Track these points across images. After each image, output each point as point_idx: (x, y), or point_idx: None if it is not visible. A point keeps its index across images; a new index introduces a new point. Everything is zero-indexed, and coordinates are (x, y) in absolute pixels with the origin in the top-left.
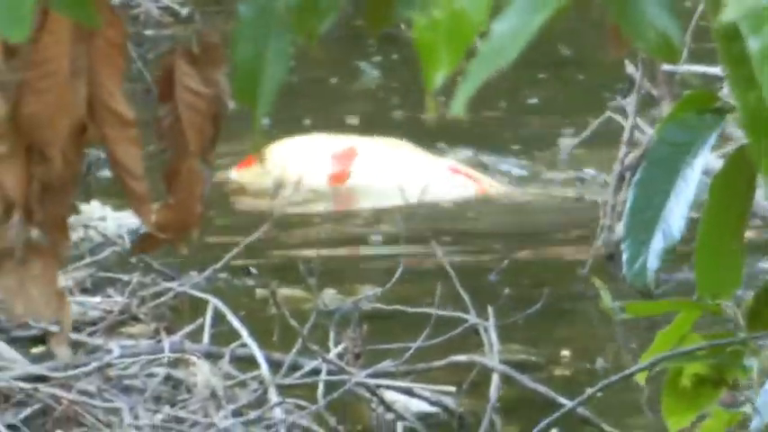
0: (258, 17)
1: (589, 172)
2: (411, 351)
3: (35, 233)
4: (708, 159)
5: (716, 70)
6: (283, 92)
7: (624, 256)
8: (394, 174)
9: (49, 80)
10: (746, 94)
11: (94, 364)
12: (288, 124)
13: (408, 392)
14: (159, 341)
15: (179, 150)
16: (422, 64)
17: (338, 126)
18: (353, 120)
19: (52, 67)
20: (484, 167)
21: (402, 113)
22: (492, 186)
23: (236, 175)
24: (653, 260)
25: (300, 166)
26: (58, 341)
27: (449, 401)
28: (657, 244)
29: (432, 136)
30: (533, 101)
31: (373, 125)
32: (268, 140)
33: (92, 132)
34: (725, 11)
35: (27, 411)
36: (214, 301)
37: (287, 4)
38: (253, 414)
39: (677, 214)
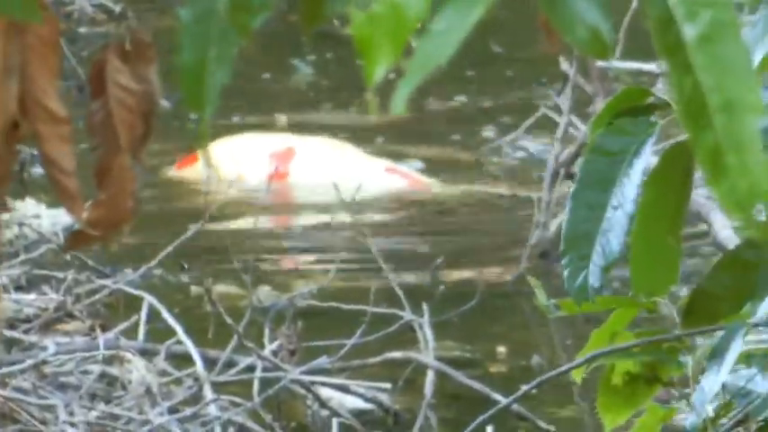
0: (199, 21)
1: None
2: (346, 348)
3: None
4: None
5: (650, 67)
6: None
7: (565, 272)
8: (331, 173)
9: None
10: (682, 82)
11: (29, 362)
12: (217, 122)
13: (344, 389)
14: (94, 338)
15: (110, 147)
16: (361, 59)
17: (268, 125)
18: (283, 118)
19: None
20: (417, 166)
21: (333, 111)
22: (427, 184)
23: (175, 173)
24: (594, 278)
25: (239, 165)
26: None
27: (384, 398)
28: (598, 260)
29: (365, 134)
30: (463, 98)
31: (304, 124)
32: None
33: (24, 129)
34: None
35: None
36: (149, 299)
37: (224, 3)
38: (188, 411)
39: (617, 228)
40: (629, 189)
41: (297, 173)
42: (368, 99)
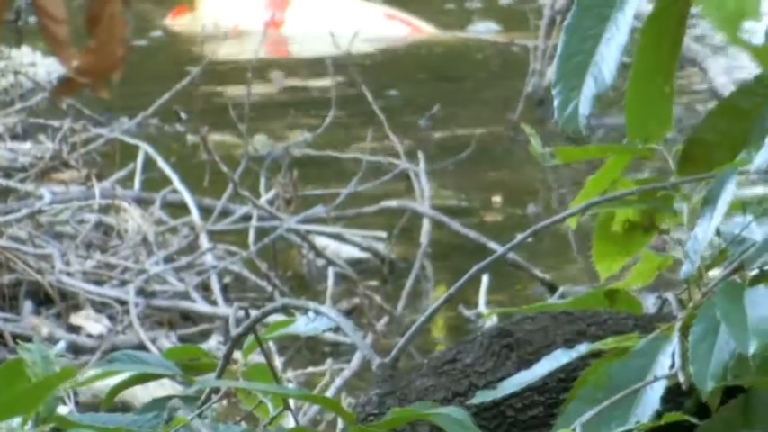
0: None
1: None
2: (342, 197)
3: None
4: (639, 3)
5: None
6: None
7: (555, 102)
8: (329, 20)
9: None
10: None
11: (25, 211)
12: None
13: (339, 238)
14: (90, 187)
15: None
16: None
17: None
18: None
19: None
20: (415, 11)
21: None
22: (426, 30)
23: (170, 22)
24: (584, 105)
25: (234, 14)
26: None
27: (380, 247)
28: (589, 89)
29: None
30: None
31: None
32: None
33: None
34: None
35: None
36: (145, 147)
37: None
38: (184, 260)
39: (609, 60)
40: (622, 22)
41: (293, 20)
42: None
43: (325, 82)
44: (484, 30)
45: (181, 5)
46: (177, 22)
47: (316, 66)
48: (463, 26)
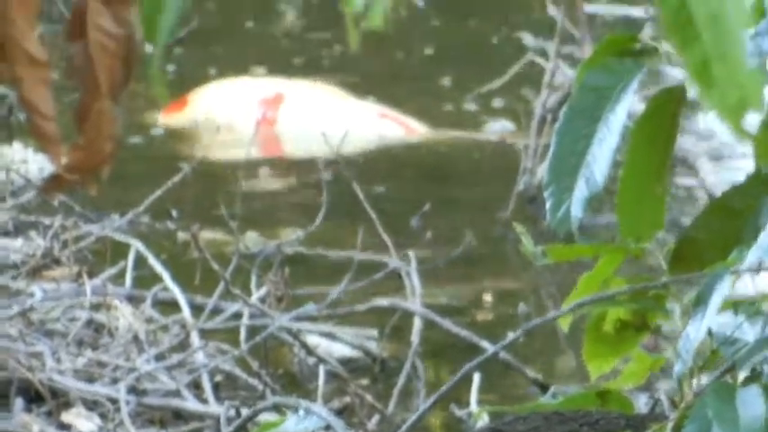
0: None
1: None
2: (333, 295)
3: None
4: (631, 103)
5: (638, 12)
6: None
7: (548, 203)
8: (322, 119)
9: None
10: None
11: (16, 308)
12: (194, 73)
13: (330, 336)
14: (81, 284)
15: (90, 90)
16: None
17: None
18: (261, 70)
19: None
20: (407, 109)
21: (325, 57)
22: (418, 130)
23: (163, 119)
24: (577, 208)
25: (228, 111)
26: None
27: (371, 346)
28: (581, 191)
29: (353, 79)
30: (455, 45)
31: (290, 69)
32: (179, 81)
33: (4, 72)
34: None
35: None
36: (136, 245)
37: None
38: (175, 358)
39: (601, 161)
40: (614, 123)
41: (286, 119)
42: (348, 25)
43: (316, 180)
44: (499, 128)
45: (174, 103)
46: (170, 119)
47: (307, 164)
48: (479, 125)
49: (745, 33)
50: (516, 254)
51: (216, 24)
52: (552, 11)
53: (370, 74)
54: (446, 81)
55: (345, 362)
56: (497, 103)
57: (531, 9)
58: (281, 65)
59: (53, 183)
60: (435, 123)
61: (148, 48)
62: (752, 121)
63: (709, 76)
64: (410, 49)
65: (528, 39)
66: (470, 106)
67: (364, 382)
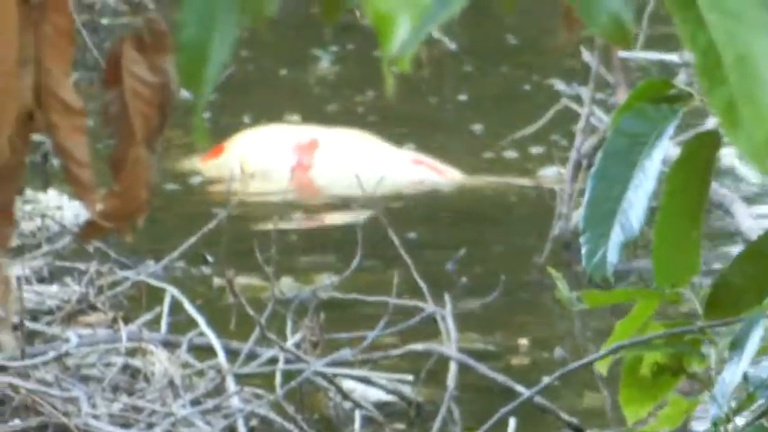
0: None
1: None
2: (368, 340)
3: None
4: (666, 149)
5: (672, 57)
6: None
7: (583, 249)
8: (356, 165)
9: None
10: (696, 38)
11: (52, 354)
12: (227, 120)
13: (366, 381)
14: (117, 330)
15: (125, 137)
16: (377, 30)
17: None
18: (295, 117)
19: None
20: (442, 155)
21: (360, 104)
22: (453, 175)
23: (201, 165)
24: (612, 253)
25: (263, 157)
26: (1, 328)
27: (406, 390)
28: (617, 237)
29: (387, 126)
30: (488, 91)
31: (324, 116)
32: (214, 128)
33: (39, 120)
34: None
35: None
36: (171, 290)
37: None
38: (211, 403)
39: (636, 206)
40: (650, 169)
41: (321, 165)
42: (384, 74)
43: (351, 224)
44: (552, 174)
45: (210, 150)
46: (207, 166)
47: (342, 209)
48: (513, 171)
49: None
50: (552, 299)
51: (250, 71)
52: (587, 56)
53: (404, 120)
54: (480, 127)
55: (381, 406)
56: (533, 149)
57: (562, 55)
58: (314, 112)
59: (89, 230)
60: (470, 169)
61: (183, 94)
62: None
63: (736, 116)
64: (443, 95)
65: (559, 85)
66: (505, 152)
67: (400, 426)
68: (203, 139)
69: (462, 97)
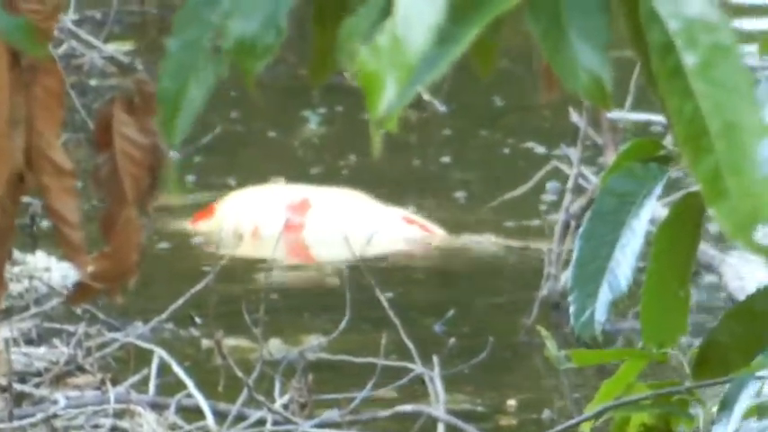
0: (184, 50)
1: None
2: (357, 401)
3: None
4: (654, 209)
5: (660, 119)
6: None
7: (571, 308)
8: (348, 224)
9: None
10: (683, 107)
11: (40, 416)
12: (215, 181)
13: None
14: (105, 392)
15: (116, 199)
16: (365, 91)
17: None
18: (281, 179)
19: None
20: (429, 216)
21: (347, 164)
22: (441, 235)
23: (192, 226)
24: (600, 312)
25: (255, 217)
26: None
27: None
28: (605, 296)
29: (375, 187)
30: (476, 151)
31: (309, 178)
32: (201, 188)
33: (29, 181)
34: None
35: None
36: (159, 352)
37: (222, 44)
38: None
39: (624, 266)
40: (638, 228)
41: (312, 224)
42: (372, 136)
43: (339, 285)
44: (554, 188)
45: (201, 211)
46: (198, 227)
47: (331, 269)
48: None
49: (760, 144)
50: (540, 359)
51: (239, 132)
52: (575, 117)
53: (388, 181)
54: (466, 188)
55: None
56: (521, 210)
57: (542, 119)
58: (300, 174)
59: (79, 292)
60: (457, 229)
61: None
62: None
63: (721, 188)
64: (428, 156)
65: (538, 148)
66: (493, 213)
67: None
68: (177, 189)
69: (447, 158)
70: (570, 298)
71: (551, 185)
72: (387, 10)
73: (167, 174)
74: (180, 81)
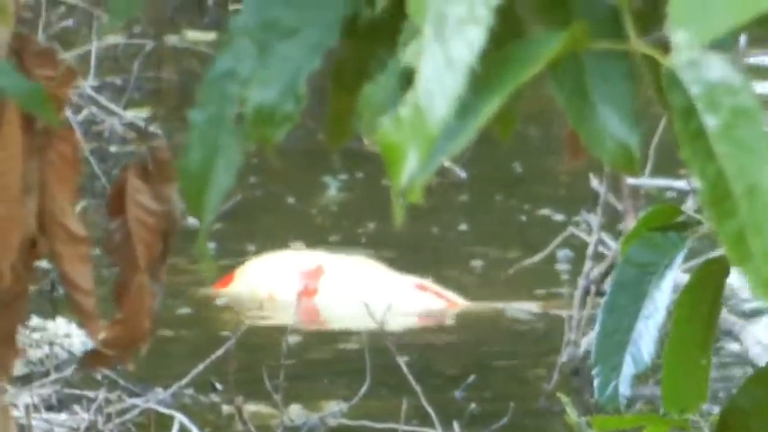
0: (209, 124)
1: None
2: None
3: None
4: (675, 277)
5: (681, 184)
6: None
7: (596, 382)
8: (361, 291)
9: (1, 194)
10: (705, 170)
11: None
12: (237, 245)
13: None
14: None
15: (129, 266)
16: (387, 162)
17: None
18: (300, 245)
19: (3, 182)
20: (446, 283)
21: (368, 229)
22: (458, 302)
23: (213, 292)
24: (624, 386)
25: (270, 283)
26: None
27: None
28: (628, 369)
29: (389, 254)
30: (487, 221)
31: (327, 244)
32: (220, 255)
33: (42, 247)
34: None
35: None
36: (180, 418)
37: (243, 113)
38: None
39: (647, 338)
40: (659, 299)
41: (326, 290)
42: (393, 204)
43: (358, 351)
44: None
45: (221, 277)
46: (218, 293)
47: (348, 335)
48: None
49: None
50: (561, 425)
51: (258, 197)
52: (594, 183)
53: (406, 249)
54: (483, 255)
55: None
56: (539, 275)
57: (559, 185)
58: (318, 241)
59: (92, 358)
60: (475, 296)
61: (191, 221)
62: None
63: (745, 249)
64: (443, 224)
65: (557, 216)
66: (510, 280)
67: None
68: (209, 266)
69: (463, 227)
70: (594, 371)
71: (563, 254)
72: (405, 77)
73: (198, 246)
74: (207, 156)
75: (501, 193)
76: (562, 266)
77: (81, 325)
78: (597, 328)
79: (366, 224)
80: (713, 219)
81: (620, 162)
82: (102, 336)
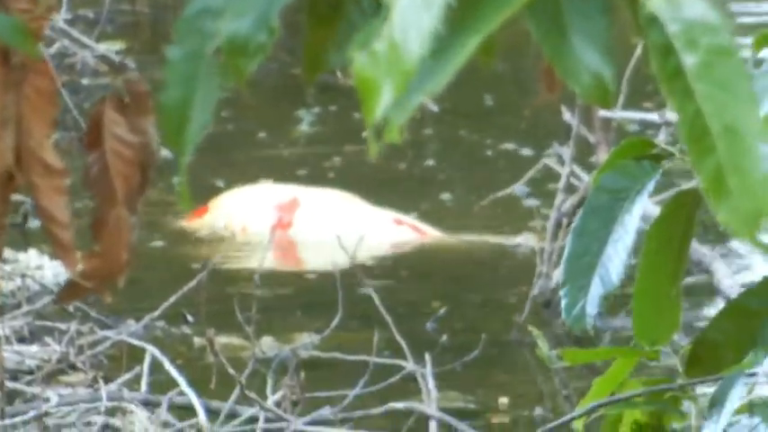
0: (187, 60)
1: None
2: (349, 398)
3: None
4: (646, 206)
5: (653, 116)
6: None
7: (563, 302)
8: (337, 224)
9: None
10: (684, 108)
11: (32, 413)
12: (206, 179)
13: None
14: (97, 389)
15: (106, 198)
16: (362, 98)
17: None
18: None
19: None
20: (421, 216)
21: (338, 163)
22: (432, 234)
23: (186, 224)
24: (591, 306)
25: (245, 216)
26: None
27: None
28: (596, 290)
29: (367, 187)
30: (453, 155)
31: (297, 179)
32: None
33: (19, 180)
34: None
35: None
36: (152, 350)
37: (216, 46)
38: None
39: (616, 260)
40: (629, 223)
41: (301, 224)
42: (367, 139)
43: (331, 284)
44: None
45: (195, 210)
46: (192, 225)
47: (322, 268)
48: (490, 230)
49: (760, 144)
50: (532, 357)
51: (229, 132)
52: (567, 116)
53: (375, 183)
54: (453, 189)
55: None
56: (512, 208)
57: (526, 119)
58: (286, 176)
59: (69, 291)
60: (448, 229)
61: (167, 153)
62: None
63: (723, 187)
64: (417, 157)
65: (524, 150)
66: (483, 213)
67: None
68: (186, 201)
69: (429, 161)
70: (562, 292)
71: (518, 188)
72: (379, 12)
73: (177, 181)
74: (185, 92)
75: (471, 127)
76: (529, 202)
77: (56, 257)
78: (566, 250)
79: (333, 159)
80: (691, 156)
81: (596, 95)
82: (79, 268)
